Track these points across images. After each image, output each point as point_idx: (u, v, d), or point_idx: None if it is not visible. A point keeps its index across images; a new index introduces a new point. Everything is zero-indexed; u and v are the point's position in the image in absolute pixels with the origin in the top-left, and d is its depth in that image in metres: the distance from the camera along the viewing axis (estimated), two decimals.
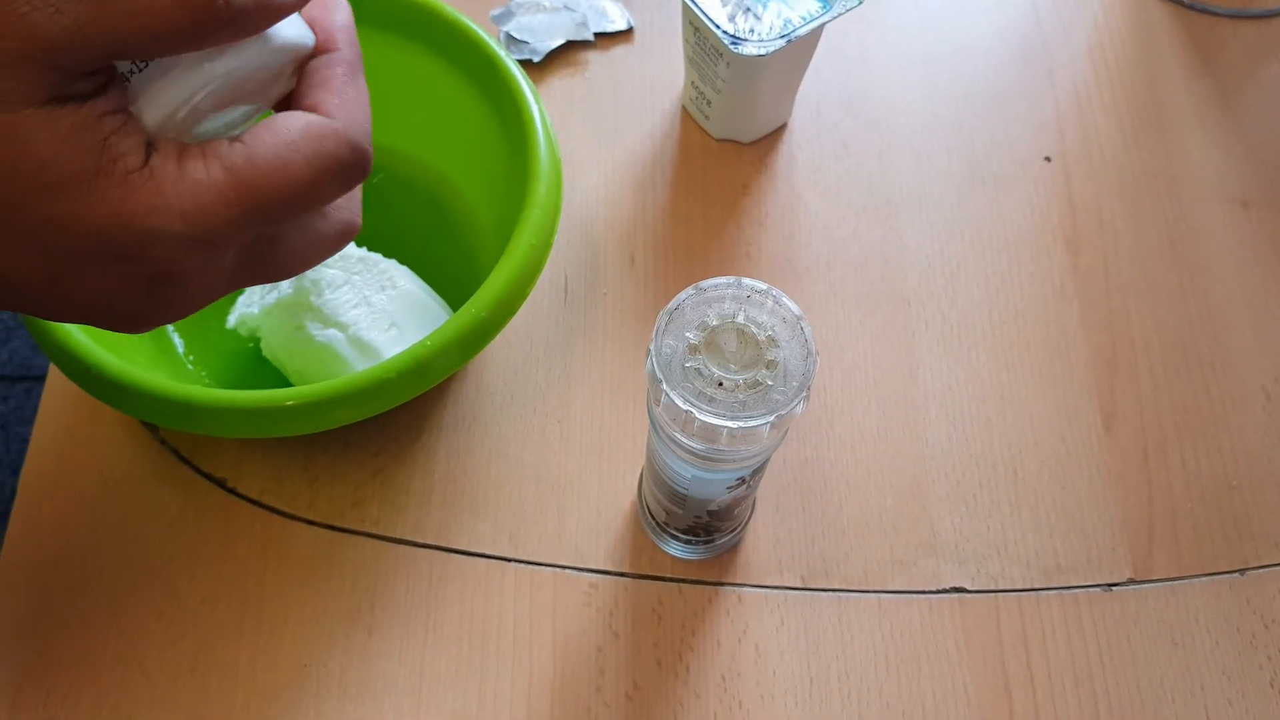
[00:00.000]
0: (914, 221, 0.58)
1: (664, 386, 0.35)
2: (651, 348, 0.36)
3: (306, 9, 0.30)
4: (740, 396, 0.35)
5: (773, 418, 0.35)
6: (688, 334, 0.36)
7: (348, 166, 0.28)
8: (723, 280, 0.37)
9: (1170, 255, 0.57)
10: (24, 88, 0.23)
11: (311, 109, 0.28)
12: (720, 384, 0.36)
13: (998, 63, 0.63)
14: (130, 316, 0.28)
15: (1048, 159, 0.60)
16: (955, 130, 0.61)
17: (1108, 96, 0.62)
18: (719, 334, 0.36)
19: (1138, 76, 0.63)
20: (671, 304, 0.37)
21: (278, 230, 0.28)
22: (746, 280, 0.37)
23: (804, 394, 0.35)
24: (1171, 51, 0.64)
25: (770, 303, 0.37)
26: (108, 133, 0.24)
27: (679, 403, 0.35)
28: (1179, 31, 0.65)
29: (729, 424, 0.35)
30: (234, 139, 0.26)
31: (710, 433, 0.35)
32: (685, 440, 0.37)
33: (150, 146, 0.25)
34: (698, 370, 0.36)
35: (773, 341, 0.36)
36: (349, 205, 0.31)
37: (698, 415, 0.35)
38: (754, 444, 0.36)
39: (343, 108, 0.28)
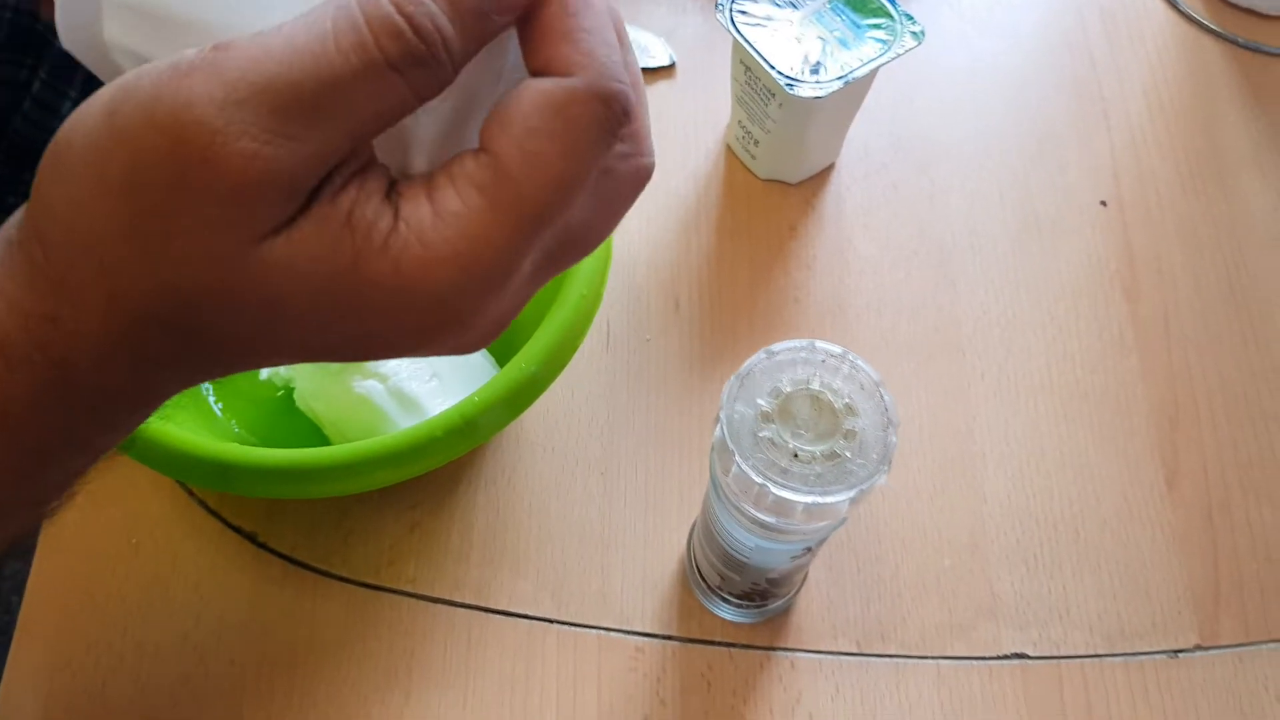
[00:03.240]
0: (967, 267, 0.56)
1: (735, 457, 0.33)
2: (722, 415, 0.34)
3: None
4: (816, 469, 0.33)
5: (853, 493, 0.33)
6: (759, 400, 0.34)
7: (606, 122, 0.23)
8: (795, 344, 0.35)
9: (1232, 304, 0.55)
10: (268, 218, 0.21)
11: (543, 70, 0.23)
12: (795, 455, 0.34)
13: (1050, 104, 0.61)
14: (448, 353, 0.25)
15: (1104, 203, 0.58)
16: (1008, 173, 0.59)
17: (1164, 139, 0.60)
18: (793, 401, 0.34)
19: (1193, 118, 0.61)
20: (742, 369, 0.35)
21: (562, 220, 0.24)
22: (820, 343, 0.35)
23: (884, 467, 0.33)
24: (1227, 92, 0.62)
25: (846, 368, 0.35)
26: (347, 211, 0.22)
27: (752, 475, 0.33)
28: (1234, 72, 0.63)
29: (805, 499, 0.33)
30: (476, 151, 0.23)
31: (784, 507, 0.33)
32: (755, 513, 0.35)
33: (393, 192, 0.22)
34: (771, 440, 0.34)
35: (850, 410, 0.34)
36: (634, 149, 0.25)
37: (772, 489, 0.33)
38: (830, 519, 0.34)
39: (577, 53, 0.23)
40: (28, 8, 0.64)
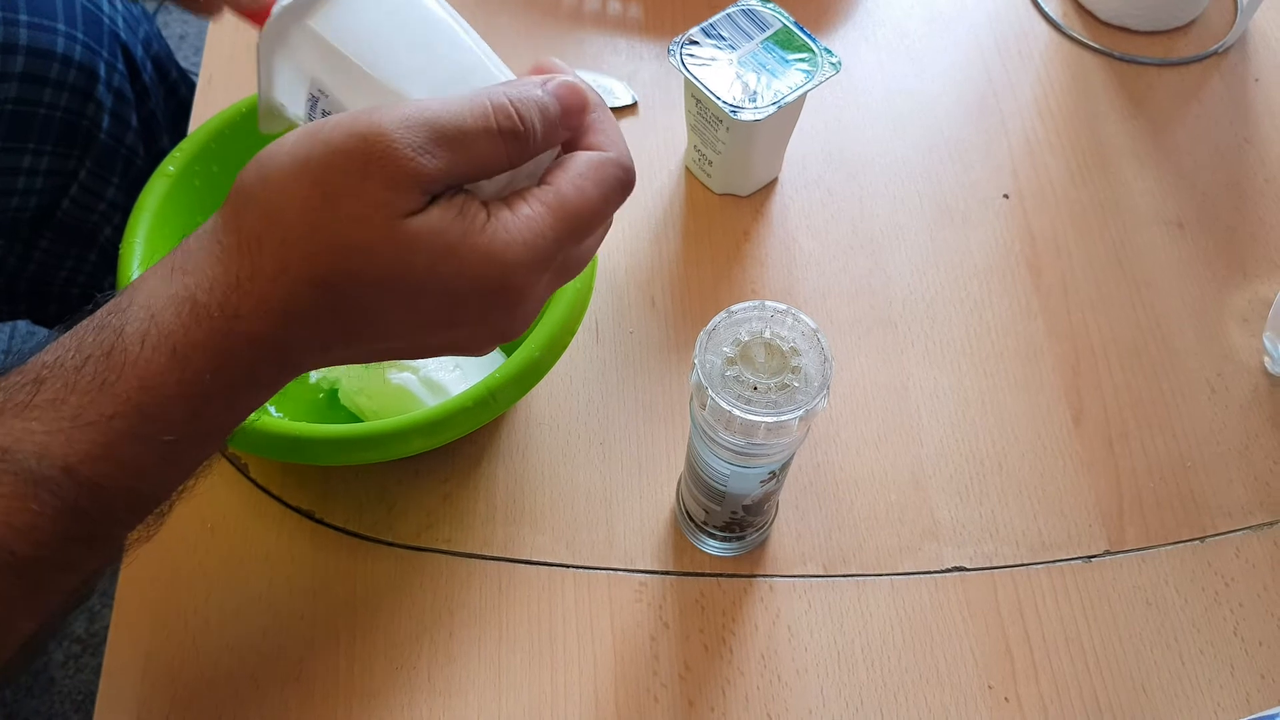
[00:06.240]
0: (894, 256, 0.66)
1: (709, 392, 0.43)
2: (696, 362, 0.44)
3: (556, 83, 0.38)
4: (773, 397, 0.43)
5: (801, 412, 0.42)
6: (725, 349, 0.44)
7: (626, 183, 0.37)
8: (749, 304, 0.45)
9: (1119, 272, 0.66)
10: (412, 204, 0.33)
11: (589, 148, 0.37)
12: (755, 388, 0.43)
13: (956, 116, 0.72)
14: (493, 338, 0.37)
15: (1006, 196, 0.69)
16: (924, 176, 0.69)
17: (1054, 139, 0.71)
18: (750, 348, 0.44)
19: (1079, 121, 0.72)
20: (709, 326, 0.44)
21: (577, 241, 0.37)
22: (769, 303, 0.45)
23: (824, 392, 0.43)
24: (1106, 97, 0.73)
25: (790, 319, 0.45)
26: (461, 204, 0.34)
27: (723, 405, 0.42)
28: (1111, 80, 0.74)
29: (765, 419, 0.42)
30: (542, 183, 0.36)
31: (749, 428, 0.43)
32: (727, 437, 0.44)
33: (487, 206, 0.35)
34: (736, 378, 0.43)
35: (795, 352, 0.44)
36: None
37: (739, 414, 0.42)
38: (785, 436, 0.44)
39: (610, 142, 0.37)
40: (76, 107, 0.73)
